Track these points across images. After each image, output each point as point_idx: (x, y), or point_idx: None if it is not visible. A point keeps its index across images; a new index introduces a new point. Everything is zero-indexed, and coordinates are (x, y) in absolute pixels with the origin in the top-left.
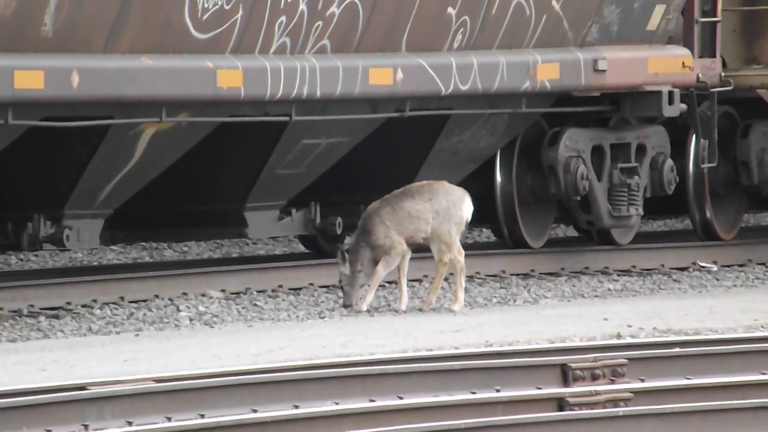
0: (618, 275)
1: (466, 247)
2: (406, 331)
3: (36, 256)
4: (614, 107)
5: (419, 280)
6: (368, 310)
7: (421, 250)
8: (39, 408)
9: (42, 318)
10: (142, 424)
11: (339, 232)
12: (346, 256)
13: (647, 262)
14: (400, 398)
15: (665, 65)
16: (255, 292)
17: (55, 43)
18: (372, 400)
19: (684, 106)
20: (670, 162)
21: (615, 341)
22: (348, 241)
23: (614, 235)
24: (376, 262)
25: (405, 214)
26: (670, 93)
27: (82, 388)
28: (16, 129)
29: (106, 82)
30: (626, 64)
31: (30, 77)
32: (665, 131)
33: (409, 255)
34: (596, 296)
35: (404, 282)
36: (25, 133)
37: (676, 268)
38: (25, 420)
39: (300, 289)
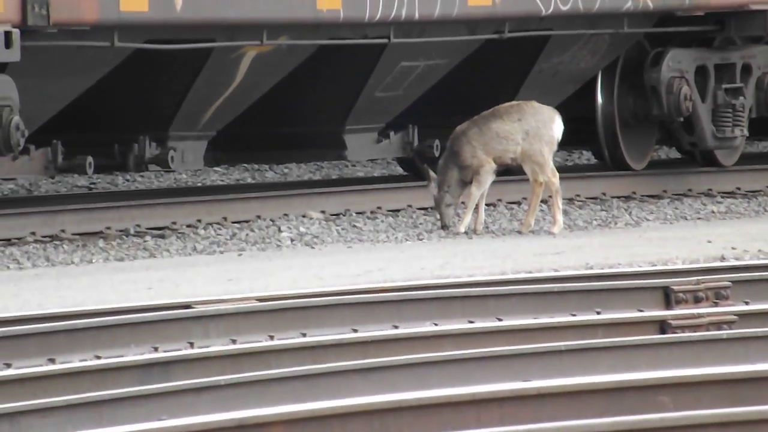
0: (722, 197)
1: (566, 169)
2: (505, 254)
3: (142, 177)
4: (719, 27)
5: (518, 203)
6: (466, 232)
7: (519, 172)
8: (145, 326)
9: (148, 237)
10: (245, 342)
11: (436, 154)
12: (432, 175)
13: (752, 184)
14: (500, 320)
15: None
16: (354, 214)
17: None
18: (471, 321)
19: None
20: None
21: (719, 264)
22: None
23: (718, 157)
24: (464, 183)
25: (493, 134)
26: None
27: (187, 306)
28: (122, 52)
29: (208, 4)
30: None
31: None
32: None
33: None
34: (699, 219)
35: (479, 205)
36: (130, 55)
37: None
38: (132, 337)
39: (398, 210)
